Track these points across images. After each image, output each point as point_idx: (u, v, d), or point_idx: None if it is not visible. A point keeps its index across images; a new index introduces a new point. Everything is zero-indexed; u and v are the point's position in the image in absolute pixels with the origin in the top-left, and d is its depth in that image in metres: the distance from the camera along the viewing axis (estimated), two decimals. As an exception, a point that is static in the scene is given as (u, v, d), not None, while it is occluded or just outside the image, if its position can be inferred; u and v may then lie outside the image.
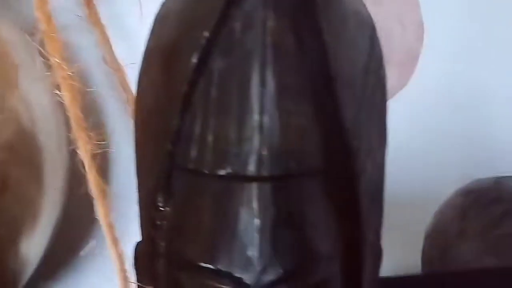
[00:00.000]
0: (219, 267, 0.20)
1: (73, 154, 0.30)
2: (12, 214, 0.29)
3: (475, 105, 0.50)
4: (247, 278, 0.20)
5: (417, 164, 0.49)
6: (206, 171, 0.20)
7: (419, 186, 0.49)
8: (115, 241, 0.25)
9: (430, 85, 0.50)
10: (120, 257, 0.25)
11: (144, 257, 0.24)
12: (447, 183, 0.51)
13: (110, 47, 0.40)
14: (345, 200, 0.22)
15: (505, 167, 0.50)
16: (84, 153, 0.27)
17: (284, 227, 0.20)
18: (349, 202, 0.22)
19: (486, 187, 0.53)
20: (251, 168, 0.19)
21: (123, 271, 0.25)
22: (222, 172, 0.19)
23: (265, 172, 0.19)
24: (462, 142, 0.50)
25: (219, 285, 0.20)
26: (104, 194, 0.25)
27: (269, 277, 0.20)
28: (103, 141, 0.27)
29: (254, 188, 0.20)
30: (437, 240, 0.52)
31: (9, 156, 0.28)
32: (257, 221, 0.20)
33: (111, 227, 0.25)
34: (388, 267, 0.47)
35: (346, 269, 0.23)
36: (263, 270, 0.20)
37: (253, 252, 0.20)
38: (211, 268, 0.20)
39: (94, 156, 0.27)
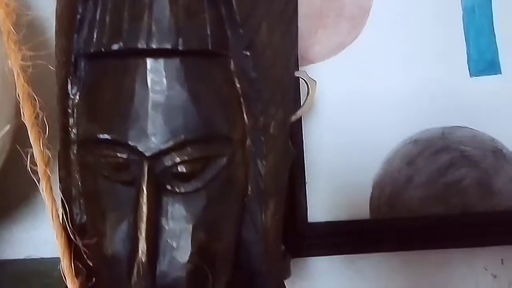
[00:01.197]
0: (116, 137, 0.22)
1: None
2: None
3: (424, 58, 0.52)
4: (141, 146, 0.22)
5: (367, 113, 0.50)
6: (103, 50, 0.22)
7: (369, 134, 0.50)
8: (38, 138, 0.26)
9: (380, 37, 0.52)
10: (43, 157, 0.26)
11: (61, 149, 0.25)
12: (396, 133, 0.53)
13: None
14: (245, 89, 0.24)
15: (452, 118, 0.52)
16: (13, 62, 0.28)
17: (176, 101, 0.22)
18: (249, 90, 0.24)
19: (433, 137, 0.55)
20: (142, 41, 0.21)
21: (46, 173, 0.26)
22: (115, 47, 0.21)
23: (154, 45, 0.21)
24: (411, 93, 0.52)
25: (116, 154, 0.22)
26: (29, 97, 0.27)
27: (160, 145, 0.22)
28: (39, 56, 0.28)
29: (147, 63, 0.22)
30: (385, 187, 0.54)
31: None
32: (151, 95, 0.22)
33: (34, 126, 0.27)
34: (338, 212, 0.49)
35: (246, 156, 0.25)
36: (155, 140, 0.22)
37: (146, 123, 0.22)
38: (109, 139, 0.22)
39: (23, 68, 0.29)
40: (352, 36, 0.54)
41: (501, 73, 0.53)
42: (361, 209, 0.53)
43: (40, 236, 0.50)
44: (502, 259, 0.52)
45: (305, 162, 0.53)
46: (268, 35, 0.24)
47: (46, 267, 0.42)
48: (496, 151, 0.54)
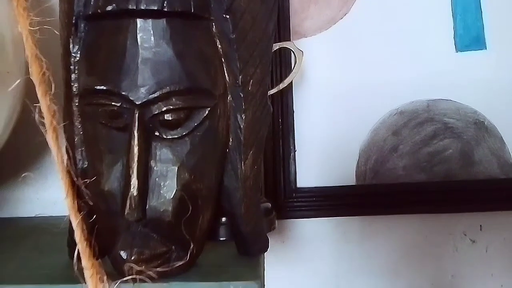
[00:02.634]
0: (110, 87, 0.25)
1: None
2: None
3: (412, 33, 0.54)
4: (132, 95, 0.25)
5: (355, 85, 0.53)
6: (100, 11, 0.25)
7: (356, 105, 0.52)
8: (45, 94, 0.29)
9: (369, 12, 0.53)
10: (50, 110, 0.29)
11: (64, 102, 0.29)
12: (383, 104, 0.56)
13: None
14: (225, 49, 0.27)
15: (437, 91, 0.55)
16: (22, 26, 0.32)
17: (163, 57, 0.25)
18: (228, 51, 0.27)
19: (419, 109, 0.57)
20: (132, 2, 0.24)
21: (52, 124, 0.29)
22: (109, 8, 0.25)
23: (142, 6, 0.24)
24: (398, 66, 0.54)
25: (111, 103, 0.26)
26: (37, 58, 0.30)
27: (149, 95, 0.25)
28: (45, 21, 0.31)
29: (137, 23, 0.25)
30: (371, 155, 0.57)
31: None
32: (140, 51, 0.25)
33: (42, 83, 0.30)
34: (325, 178, 0.52)
35: (227, 110, 0.28)
36: (144, 90, 0.25)
37: (136, 76, 0.25)
38: (104, 89, 0.25)
39: (31, 32, 0.32)
40: (343, 12, 0.56)
41: (486, 48, 0.55)
42: (347, 176, 0.55)
43: (49, 196, 0.54)
44: (481, 225, 0.55)
45: (295, 131, 0.56)
46: (247, 1, 0.27)
47: (53, 223, 0.46)
48: (478, 123, 0.56)
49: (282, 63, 0.50)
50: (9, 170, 0.55)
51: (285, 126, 0.53)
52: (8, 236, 0.43)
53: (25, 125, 0.48)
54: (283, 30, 0.52)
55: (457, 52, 0.54)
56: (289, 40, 0.54)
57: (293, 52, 0.43)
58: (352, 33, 0.54)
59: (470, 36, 0.54)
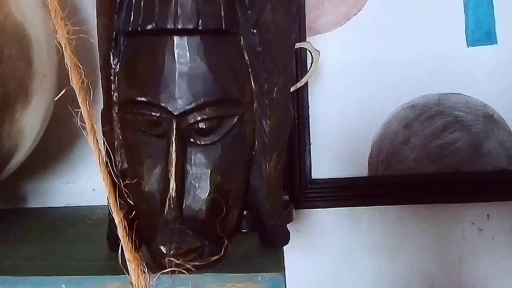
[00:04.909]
0: (150, 99, 0.28)
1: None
2: (5, 89, 0.36)
3: (424, 28, 0.55)
4: (170, 107, 0.28)
5: (368, 80, 0.55)
6: (139, 29, 0.27)
7: (369, 99, 0.54)
8: (85, 100, 0.32)
9: (383, 9, 0.55)
10: (90, 116, 0.32)
11: (104, 109, 0.31)
12: (395, 98, 0.57)
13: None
14: (252, 61, 0.29)
15: (448, 85, 0.56)
16: (60, 36, 0.34)
17: (197, 70, 0.28)
18: (255, 62, 0.29)
19: (430, 103, 0.59)
20: (170, 22, 0.26)
21: (93, 128, 0.32)
22: (149, 27, 0.27)
23: (179, 26, 0.26)
24: (411, 61, 0.55)
25: (150, 113, 0.28)
26: (76, 66, 0.32)
27: (185, 106, 0.28)
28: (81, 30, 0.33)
29: (174, 40, 0.27)
30: (383, 147, 0.59)
31: (1, 36, 0.35)
32: (177, 66, 0.28)
33: (82, 90, 0.32)
34: (339, 170, 0.55)
35: (253, 116, 0.30)
36: (181, 102, 0.28)
37: (174, 88, 0.28)
38: (145, 100, 0.28)
39: (69, 40, 0.34)
40: (356, 8, 0.57)
41: (497, 43, 0.57)
42: (360, 167, 0.58)
43: (77, 188, 0.57)
44: (488, 215, 0.57)
45: (310, 125, 0.58)
46: (272, 15, 0.29)
47: (84, 214, 0.48)
48: (488, 116, 0.57)
49: (298, 62, 0.52)
50: (40, 163, 0.58)
51: (300, 120, 0.55)
52: (45, 225, 0.46)
53: (55, 121, 0.51)
54: (298, 27, 0.54)
55: (468, 46, 0.56)
56: (305, 37, 0.55)
57: (310, 52, 0.45)
58: (366, 29, 0.55)
59: (481, 31, 0.56)
